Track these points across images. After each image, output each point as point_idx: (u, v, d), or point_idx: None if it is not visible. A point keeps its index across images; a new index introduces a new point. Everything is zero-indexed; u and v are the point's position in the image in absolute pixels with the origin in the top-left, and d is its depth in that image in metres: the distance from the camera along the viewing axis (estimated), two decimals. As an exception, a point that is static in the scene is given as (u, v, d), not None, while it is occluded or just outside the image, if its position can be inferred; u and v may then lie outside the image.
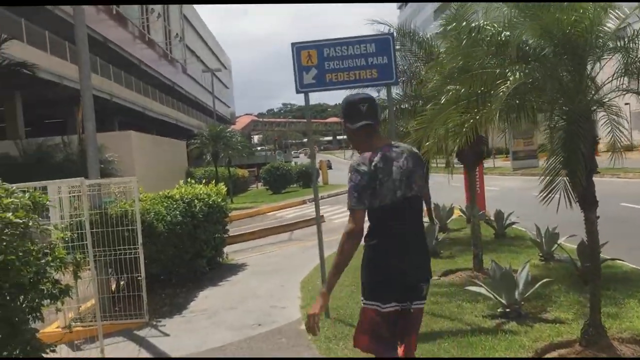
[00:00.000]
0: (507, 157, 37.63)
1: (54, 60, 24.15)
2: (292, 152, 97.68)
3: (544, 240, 8.50)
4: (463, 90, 4.63)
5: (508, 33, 4.24)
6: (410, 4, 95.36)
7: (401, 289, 3.13)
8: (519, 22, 4.12)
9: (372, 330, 3.17)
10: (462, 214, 13.76)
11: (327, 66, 6.58)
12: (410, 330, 3.23)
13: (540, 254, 8.58)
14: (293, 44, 6.63)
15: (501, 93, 3.93)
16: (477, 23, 4.76)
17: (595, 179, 4.60)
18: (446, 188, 13.26)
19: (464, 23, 4.82)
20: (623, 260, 7.78)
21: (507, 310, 5.93)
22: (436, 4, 79.73)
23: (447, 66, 5.21)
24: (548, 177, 4.29)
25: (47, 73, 22.99)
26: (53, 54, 24.33)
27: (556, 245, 8.43)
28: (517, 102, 4.22)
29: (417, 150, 3.36)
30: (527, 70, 4.21)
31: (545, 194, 4.34)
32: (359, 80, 6.61)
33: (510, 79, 4.03)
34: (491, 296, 6.11)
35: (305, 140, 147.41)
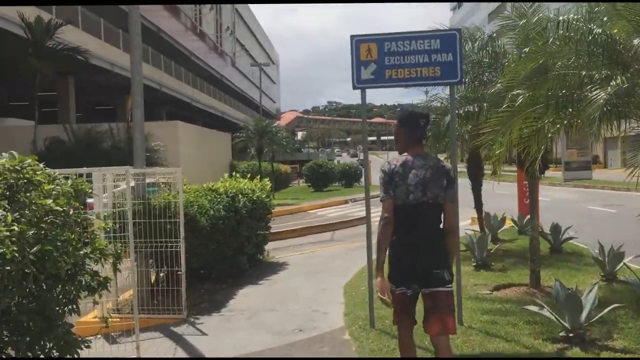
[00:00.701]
0: (556, 167, 36.45)
1: (107, 48, 24.42)
2: (335, 151, 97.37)
3: (607, 259, 7.93)
4: (541, 92, 4.18)
5: (600, 31, 3.78)
6: (464, 5, 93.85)
7: (410, 278, 3.82)
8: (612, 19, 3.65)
9: (395, 305, 3.84)
10: (514, 224, 13.17)
11: (387, 61, 6.19)
12: (434, 309, 3.80)
13: (602, 274, 8.01)
14: (352, 37, 6.27)
15: (601, 97, 3.48)
16: (565, 17, 4.29)
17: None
18: (492, 196, 12.72)
19: (551, 17, 4.35)
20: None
21: (570, 334, 5.45)
22: (491, 6, 78.23)
23: (520, 67, 4.76)
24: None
25: (100, 60, 23.25)
26: (107, 42, 24.60)
27: (620, 266, 7.85)
28: (619, 108, 3.75)
29: (445, 164, 3.91)
30: (626, 77, 3.73)
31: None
32: (420, 78, 6.19)
33: (612, 83, 3.57)
34: (552, 318, 5.64)
35: (348, 139, 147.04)
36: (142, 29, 8.09)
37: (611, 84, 3.56)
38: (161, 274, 7.81)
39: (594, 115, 3.55)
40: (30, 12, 18.15)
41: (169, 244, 6.96)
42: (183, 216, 7.08)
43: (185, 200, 7.51)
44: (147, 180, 7.70)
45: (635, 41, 3.88)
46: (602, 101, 3.50)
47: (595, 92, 3.54)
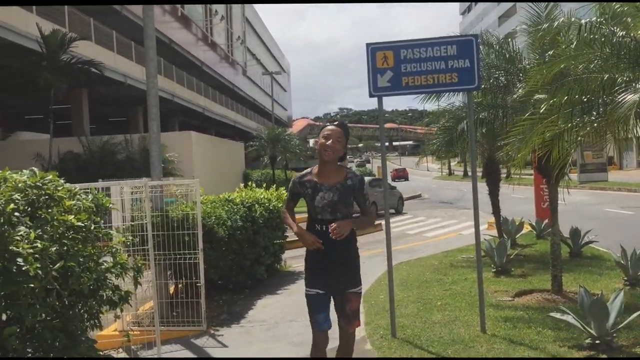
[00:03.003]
0: (572, 169, 36.14)
1: (120, 60, 24.60)
2: (349, 157, 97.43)
3: (630, 263, 7.80)
4: (565, 98, 4.11)
5: (624, 33, 3.71)
6: (474, 9, 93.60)
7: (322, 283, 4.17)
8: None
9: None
10: (532, 229, 13.04)
11: (403, 69, 6.15)
12: (342, 311, 4.24)
13: (625, 278, 7.89)
14: (368, 45, 6.24)
15: (630, 100, 3.42)
16: (588, 20, 4.22)
17: None
18: (508, 199, 12.59)
19: (573, 19, 4.29)
20: None
21: (597, 342, 5.36)
22: (501, 9, 77.96)
23: (542, 71, 4.69)
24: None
25: (113, 72, 23.42)
26: (119, 54, 24.79)
27: (644, 270, 7.72)
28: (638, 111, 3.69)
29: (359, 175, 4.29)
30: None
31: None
32: (437, 85, 6.14)
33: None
34: (577, 325, 5.54)
35: (360, 145, 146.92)
36: (155, 41, 8.11)
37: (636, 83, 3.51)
38: (180, 286, 7.81)
39: (626, 114, 3.47)
40: (46, 27, 18.33)
41: (188, 256, 6.96)
42: (201, 227, 7.07)
43: (202, 212, 7.50)
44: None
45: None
46: (628, 105, 3.43)
47: (622, 95, 3.47)
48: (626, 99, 3.48)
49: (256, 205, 9.33)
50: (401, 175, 65.82)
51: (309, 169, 4.18)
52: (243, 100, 51.71)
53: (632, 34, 3.76)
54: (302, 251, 14.05)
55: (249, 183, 10.63)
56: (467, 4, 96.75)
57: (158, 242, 6.87)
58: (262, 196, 9.81)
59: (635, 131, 4.24)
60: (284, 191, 10.73)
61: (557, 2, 7.29)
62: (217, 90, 41.73)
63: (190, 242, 7.00)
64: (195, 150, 24.58)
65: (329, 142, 3.98)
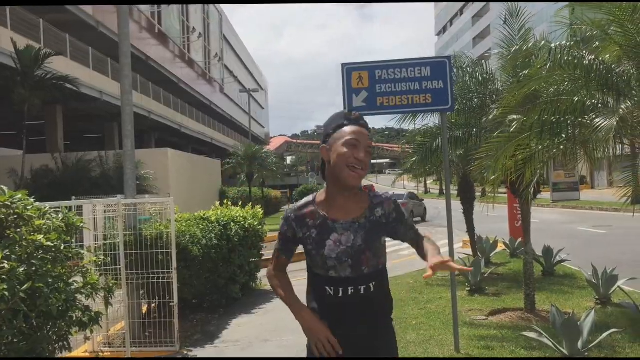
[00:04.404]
0: (544, 188, 36.64)
1: (95, 76, 24.44)
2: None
3: (601, 282, 7.91)
4: (536, 119, 4.19)
5: (593, 57, 3.81)
6: (449, 30, 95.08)
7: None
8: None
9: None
10: (506, 247, 13.16)
11: (378, 89, 6.21)
12: None
13: (597, 297, 7.99)
14: (343, 65, 6.30)
15: (607, 125, 3.50)
16: (559, 43, 4.33)
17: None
18: (482, 218, 12.71)
19: (542, 43, 4.39)
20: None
21: (569, 361, 5.40)
22: (475, 31, 79.34)
23: (513, 93, 4.78)
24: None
25: (88, 88, 23.24)
26: (95, 70, 24.63)
27: (615, 288, 7.83)
28: (613, 135, 3.77)
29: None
30: (633, 101, 3.75)
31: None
32: (412, 105, 6.21)
33: (622, 107, 3.59)
34: (550, 344, 5.59)
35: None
36: (131, 57, 8.09)
37: (620, 108, 3.59)
38: (153, 306, 7.70)
39: (606, 138, 3.55)
40: (20, 42, 18.14)
41: (161, 275, 6.87)
42: (175, 246, 7.00)
43: (177, 230, 7.44)
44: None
45: (627, 67, 3.93)
46: (605, 130, 3.52)
47: (599, 119, 3.55)
48: (604, 124, 3.56)
49: (232, 224, 9.27)
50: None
51: (309, 198, 2.65)
52: (220, 117, 51.63)
53: (600, 58, 3.86)
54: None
55: (225, 201, 10.57)
56: (442, 25, 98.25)
57: (131, 261, 6.78)
58: (238, 214, 9.76)
59: (606, 151, 4.34)
60: (260, 209, 10.70)
61: (530, 27, 7.47)
62: (195, 107, 41.63)
63: (164, 260, 6.92)
64: (171, 167, 24.42)
65: (361, 154, 2.47)
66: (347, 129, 2.51)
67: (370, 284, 2.52)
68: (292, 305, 2.59)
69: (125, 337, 6.26)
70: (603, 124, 3.58)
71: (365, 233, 2.52)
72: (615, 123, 3.52)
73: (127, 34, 7.77)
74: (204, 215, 9.11)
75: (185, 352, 6.85)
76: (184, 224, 8.20)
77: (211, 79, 48.10)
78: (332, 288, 2.50)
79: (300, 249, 2.66)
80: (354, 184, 2.46)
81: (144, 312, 7.64)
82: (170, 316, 6.95)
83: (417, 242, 2.66)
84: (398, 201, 2.66)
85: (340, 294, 2.50)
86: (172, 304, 6.91)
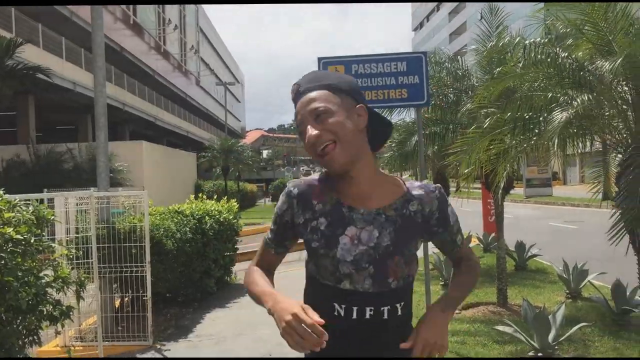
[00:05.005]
0: (518, 183, 37.14)
1: (68, 67, 24.03)
2: (302, 169, 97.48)
3: (571, 276, 8.04)
4: (509, 114, 4.24)
5: (566, 54, 3.87)
6: (426, 26, 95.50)
7: None
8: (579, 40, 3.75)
9: None
10: (479, 242, 13.30)
11: (355, 83, 6.21)
12: None
13: (567, 291, 8.12)
14: (320, 59, 6.28)
15: (559, 118, 3.56)
16: (533, 40, 4.37)
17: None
18: (458, 213, 12.83)
19: (517, 40, 4.44)
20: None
21: (540, 354, 5.49)
22: (451, 27, 79.85)
23: (489, 89, 4.83)
24: (615, 218, 3.88)
25: (61, 79, 22.84)
26: (68, 61, 24.23)
27: (585, 283, 7.97)
28: (576, 130, 3.84)
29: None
30: (591, 96, 3.83)
31: (613, 234, 3.92)
32: (388, 100, 6.22)
33: (575, 103, 3.66)
34: (521, 337, 5.67)
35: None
36: (105, 48, 7.97)
37: (574, 104, 3.66)
38: (126, 299, 7.63)
39: (553, 136, 3.62)
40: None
41: (135, 269, 6.81)
42: (149, 240, 6.93)
43: (151, 223, 7.36)
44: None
45: (599, 63, 3.99)
46: (557, 123, 3.58)
47: (557, 113, 3.61)
48: (557, 118, 3.62)
49: (207, 217, 9.21)
50: None
51: (320, 176, 1.94)
52: (196, 110, 51.21)
53: (573, 55, 3.92)
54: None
55: (200, 194, 10.49)
56: (419, 21, 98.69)
57: (104, 254, 6.70)
58: (212, 208, 9.69)
59: (576, 147, 4.41)
60: (235, 203, 10.64)
61: (507, 25, 7.54)
62: (170, 99, 41.22)
63: (138, 254, 6.85)
64: (145, 160, 24.16)
65: (312, 132, 1.76)
66: (299, 103, 1.83)
67: (398, 305, 1.80)
68: (263, 296, 1.80)
69: (97, 331, 6.19)
70: (557, 117, 3.64)
71: (395, 230, 1.81)
72: (564, 117, 3.58)
73: (101, 25, 7.64)
74: (179, 208, 9.04)
75: (159, 347, 6.80)
76: (158, 218, 8.13)
77: (187, 72, 47.66)
78: (343, 306, 1.78)
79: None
80: (337, 168, 1.75)
81: (116, 306, 7.57)
82: (143, 310, 6.89)
83: (455, 262, 2.05)
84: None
85: (355, 316, 1.77)
86: (145, 297, 6.85)
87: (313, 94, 1.79)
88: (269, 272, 2.02)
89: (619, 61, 3.26)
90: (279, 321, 1.65)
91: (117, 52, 29.81)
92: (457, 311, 7.63)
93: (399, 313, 1.82)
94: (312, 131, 1.75)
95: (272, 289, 1.85)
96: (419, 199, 1.89)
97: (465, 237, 9.51)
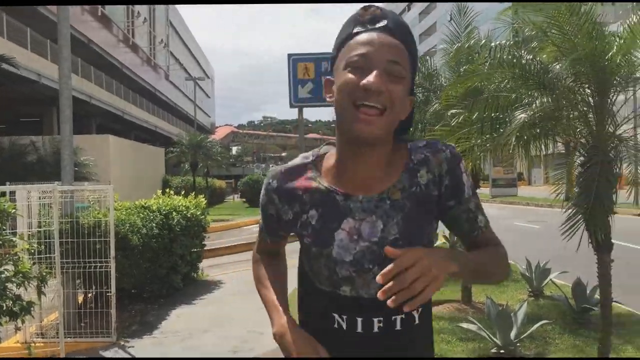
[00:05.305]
0: (484, 183, 37.75)
1: (34, 58, 23.55)
2: (271, 166, 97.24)
3: (534, 275, 8.20)
4: (475, 115, 4.31)
5: (531, 56, 3.95)
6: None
7: None
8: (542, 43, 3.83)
9: None
10: (446, 240, 13.45)
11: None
12: None
13: (530, 290, 8.28)
14: (289, 55, 6.30)
15: (518, 120, 3.64)
16: (499, 43, 4.45)
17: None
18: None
19: (483, 42, 4.51)
20: (620, 303, 7.49)
21: (502, 351, 5.59)
22: (422, 27, 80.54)
23: (455, 88, 4.90)
24: (569, 213, 3.97)
25: (26, 70, 22.36)
26: (34, 52, 23.73)
27: (547, 281, 8.13)
28: (539, 131, 3.92)
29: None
30: (551, 97, 3.92)
31: (565, 231, 4.01)
32: (357, 98, 6.27)
33: (534, 104, 3.74)
34: (484, 334, 5.76)
35: (284, 154, 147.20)
36: (72, 40, 7.83)
37: (533, 106, 3.75)
38: (89, 295, 7.52)
39: (511, 136, 3.70)
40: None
41: (99, 264, 6.71)
42: (114, 235, 6.84)
43: (116, 218, 7.26)
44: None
45: (559, 65, 4.09)
46: (515, 123, 3.66)
47: (518, 113, 3.69)
48: (517, 119, 3.71)
49: (174, 213, 9.13)
50: None
51: (306, 156, 1.63)
52: (165, 105, 50.68)
53: (538, 58, 4.00)
54: (222, 260, 13.85)
55: (167, 190, 10.39)
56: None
57: (67, 249, 6.59)
58: (180, 203, 9.61)
59: (538, 150, 4.50)
60: (203, 199, 10.57)
61: (475, 26, 7.65)
62: (138, 93, 40.71)
63: (102, 249, 6.76)
64: (112, 154, 23.84)
65: (373, 78, 1.36)
66: (358, 38, 1.41)
67: (414, 312, 1.47)
68: (271, 309, 1.57)
69: (59, 328, 6.08)
70: (518, 118, 3.73)
71: (404, 218, 1.46)
72: (523, 118, 3.66)
73: (67, 16, 7.50)
74: (145, 203, 8.94)
75: (123, 343, 6.72)
76: (124, 213, 8.03)
77: (156, 66, 47.14)
78: (344, 317, 1.46)
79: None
80: (364, 133, 1.37)
81: (79, 302, 7.45)
82: (107, 306, 6.80)
83: (472, 241, 1.58)
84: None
85: (360, 329, 1.44)
86: (109, 293, 6.76)
87: (396, 43, 1.40)
88: (274, 256, 1.76)
89: (567, 61, 3.36)
90: (283, 353, 1.49)
91: (84, 44, 29.32)
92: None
93: (416, 322, 1.48)
94: (378, 78, 1.34)
95: (279, 297, 1.60)
96: (425, 163, 1.48)
97: (433, 235, 9.57)
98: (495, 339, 5.62)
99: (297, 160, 1.59)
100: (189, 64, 61.06)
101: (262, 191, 1.61)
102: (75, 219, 6.82)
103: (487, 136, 4.24)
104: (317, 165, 1.55)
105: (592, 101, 3.97)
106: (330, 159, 1.54)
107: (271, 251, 1.76)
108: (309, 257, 1.51)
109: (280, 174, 1.57)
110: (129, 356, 6.33)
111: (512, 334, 5.57)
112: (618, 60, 3.99)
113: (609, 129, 4.00)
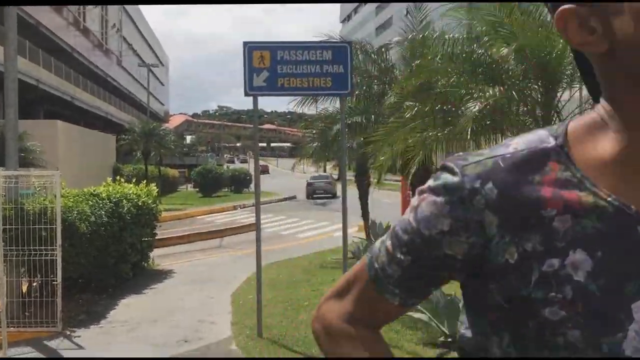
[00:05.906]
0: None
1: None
2: (225, 156, 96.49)
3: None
4: (428, 107, 4.37)
5: (482, 51, 4.03)
6: (353, 19, 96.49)
7: None
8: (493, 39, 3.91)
9: None
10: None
11: (279, 70, 6.20)
12: None
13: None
14: (245, 43, 6.23)
15: (471, 111, 3.71)
16: (451, 36, 4.52)
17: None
18: (379, 205, 13.13)
19: (436, 34, 4.57)
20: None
21: (449, 339, 5.71)
22: (378, 21, 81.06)
23: (407, 82, 4.96)
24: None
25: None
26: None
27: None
28: (489, 122, 4.01)
29: None
30: (499, 92, 4.01)
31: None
32: (312, 88, 6.27)
33: (487, 94, 3.81)
34: (432, 323, 5.88)
35: (239, 144, 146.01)
36: (20, 22, 7.57)
37: (486, 95, 3.83)
38: (34, 284, 7.32)
39: (468, 126, 3.77)
40: None
41: (45, 252, 6.53)
42: (60, 222, 6.67)
43: (63, 205, 7.08)
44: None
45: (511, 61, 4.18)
46: (470, 112, 3.73)
47: (470, 104, 3.77)
48: (470, 110, 3.79)
49: (124, 201, 8.96)
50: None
51: (542, 138, 0.74)
52: (117, 91, 49.53)
53: (489, 52, 4.08)
54: (173, 249, 13.66)
55: (118, 177, 10.19)
56: (347, 13, 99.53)
57: (10, 236, 6.40)
58: (131, 191, 9.44)
59: (488, 142, 4.60)
60: (155, 187, 10.40)
61: (431, 20, 7.74)
62: (89, 79, 39.65)
63: (48, 237, 6.59)
64: (60, 140, 23.19)
65: None
66: None
67: None
68: None
69: (1, 316, 5.90)
70: (471, 108, 3.81)
71: None
72: (477, 106, 3.74)
73: (14, -6, 7.24)
74: (94, 191, 8.75)
75: (68, 333, 6.58)
76: (72, 200, 7.84)
77: (108, 51, 45.98)
78: None
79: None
80: None
81: (24, 290, 7.25)
82: (53, 295, 6.64)
83: None
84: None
85: None
86: (55, 282, 6.60)
87: None
88: (374, 330, 0.94)
89: (505, 50, 3.48)
90: None
91: (32, 26, 28.35)
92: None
93: None
94: None
95: None
96: None
97: (385, 227, 9.74)
98: (443, 328, 5.74)
99: (524, 142, 0.77)
100: (142, 50, 59.80)
101: (438, 199, 0.77)
102: (19, 205, 6.62)
103: (439, 128, 4.31)
104: (567, 154, 0.75)
105: (539, 97, 4.08)
106: (590, 143, 0.75)
107: (379, 322, 0.95)
108: (529, 337, 0.72)
109: (500, 171, 0.74)
110: (74, 346, 6.20)
111: (459, 322, 5.70)
112: (566, 58, 4.11)
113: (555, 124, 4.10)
